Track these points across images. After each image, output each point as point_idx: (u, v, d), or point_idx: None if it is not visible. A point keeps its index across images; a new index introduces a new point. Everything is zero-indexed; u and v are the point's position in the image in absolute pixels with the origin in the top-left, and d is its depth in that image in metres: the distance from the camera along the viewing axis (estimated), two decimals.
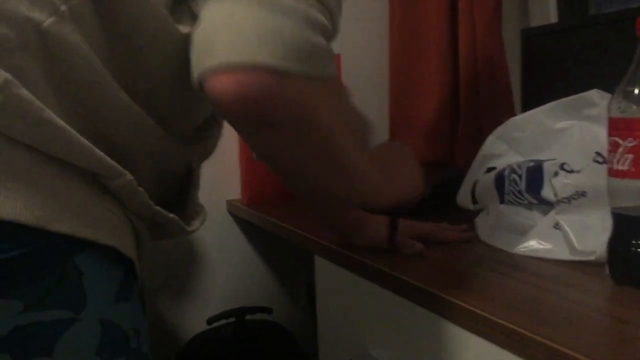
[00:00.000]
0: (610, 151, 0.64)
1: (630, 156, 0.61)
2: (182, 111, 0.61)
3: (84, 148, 0.50)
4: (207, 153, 0.70)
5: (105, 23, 0.52)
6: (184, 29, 0.53)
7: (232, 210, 1.41)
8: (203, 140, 0.68)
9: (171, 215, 0.61)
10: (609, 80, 0.64)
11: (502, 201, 0.87)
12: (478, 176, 0.91)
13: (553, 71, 1.15)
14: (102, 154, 0.51)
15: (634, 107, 0.61)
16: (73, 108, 0.51)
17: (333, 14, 0.51)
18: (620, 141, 0.62)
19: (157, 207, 0.58)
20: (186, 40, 0.52)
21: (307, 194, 0.83)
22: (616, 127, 0.63)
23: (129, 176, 0.54)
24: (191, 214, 0.67)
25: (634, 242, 0.62)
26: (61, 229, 0.48)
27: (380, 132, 1.44)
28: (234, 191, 1.42)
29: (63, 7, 0.49)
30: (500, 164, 0.89)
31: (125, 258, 0.54)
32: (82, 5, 0.50)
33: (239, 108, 0.47)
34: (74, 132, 0.49)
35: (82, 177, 0.51)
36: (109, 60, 0.52)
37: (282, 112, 0.48)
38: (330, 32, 0.50)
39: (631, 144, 0.61)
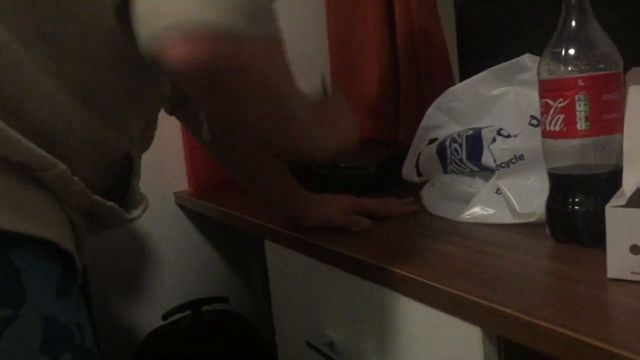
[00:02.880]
0: (542, 113, 0.64)
1: (562, 116, 0.62)
2: (127, 105, 0.59)
3: (10, 139, 0.48)
4: (146, 144, 0.69)
5: (31, 6, 0.49)
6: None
7: (180, 201, 1.39)
8: (148, 139, 0.67)
9: (110, 203, 0.59)
10: (542, 46, 0.65)
11: (445, 171, 0.87)
12: (421, 148, 0.92)
13: (488, 40, 1.17)
14: (31, 144, 0.49)
15: (562, 68, 0.62)
16: None
17: None
18: (551, 102, 0.63)
19: (96, 196, 0.57)
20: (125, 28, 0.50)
21: (253, 169, 0.83)
22: (546, 88, 0.64)
23: (62, 166, 0.52)
24: (132, 204, 0.66)
25: (570, 200, 0.64)
26: None
27: None
28: (181, 182, 1.40)
29: None
30: (441, 134, 0.90)
31: (64, 252, 0.53)
32: None
33: (191, 70, 0.46)
34: None
35: (14, 170, 0.49)
36: (31, 48, 0.50)
37: (232, 72, 0.48)
38: None
39: (561, 105, 0.62)
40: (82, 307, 0.55)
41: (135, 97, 0.61)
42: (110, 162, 0.62)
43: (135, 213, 0.64)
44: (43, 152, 0.50)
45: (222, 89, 0.50)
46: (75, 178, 0.54)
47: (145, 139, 0.68)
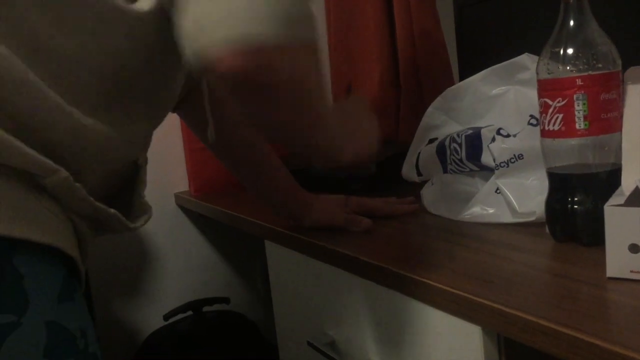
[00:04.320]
0: (541, 112, 0.65)
1: (560, 116, 0.62)
2: (138, 110, 0.60)
3: (11, 147, 0.48)
4: (146, 145, 0.69)
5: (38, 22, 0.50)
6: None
7: (181, 202, 1.39)
8: (148, 143, 0.67)
9: (112, 210, 0.59)
10: (541, 45, 0.65)
11: (445, 171, 0.88)
12: (421, 148, 0.92)
13: (487, 40, 1.17)
14: (32, 151, 0.50)
15: (561, 67, 0.62)
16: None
17: None
18: (550, 102, 0.63)
19: (98, 203, 0.57)
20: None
21: (260, 172, 0.85)
22: (545, 88, 0.64)
23: (64, 172, 0.52)
24: (137, 212, 0.66)
25: (569, 199, 0.64)
26: None
27: None
28: (181, 184, 1.40)
29: None
30: (440, 134, 0.90)
31: (66, 257, 0.53)
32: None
33: (241, 84, 0.48)
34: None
35: (16, 176, 0.50)
36: (34, 59, 0.50)
37: (276, 77, 0.50)
38: None
39: (560, 104, 0.62)
40: (86, 312, 0.55)
41: (148, 101, 0.61)
42: (117, 169, 0.62)
43: (138, 222, 0.65)
44: (44, 159, 0.50)
45: (265, 94, 0.51)
46: (78, 185, 0.54)
47: (146, 142, 0.69)
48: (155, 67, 0.59)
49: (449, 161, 0.86)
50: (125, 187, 0.65)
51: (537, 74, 0.65)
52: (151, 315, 1.37)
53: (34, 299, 0.48)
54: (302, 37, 0.49)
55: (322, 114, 0.59)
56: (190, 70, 0.49)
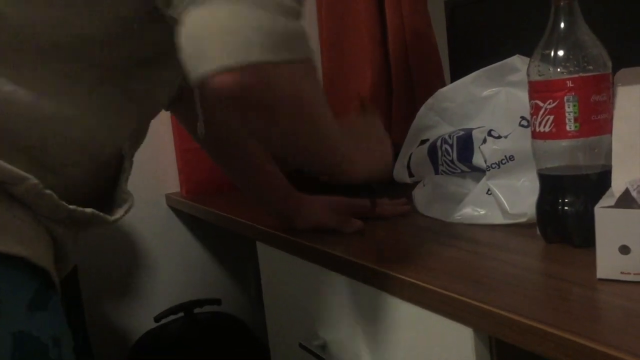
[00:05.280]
0: (532, 114, 0.65)
1: (551, 117, 0.62)
2: (127, 104, 0.59)
3: None
4: (139, 140, 0.68)
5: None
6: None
7: (172, 204, 1.38)
8: (141, 135, 0.67)
9: (88, 210, 0.59)
10: (532, 47, 0.65)
11: (437, 172, 0.88)
12: (412, 149, 0.92)
13: (479, 41, 1.17)
14: None
15: (552, 69, 0.62)
16: None
17: None
18: (541, 103, 0.63)
19: (72, 206, 0.56)
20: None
21: (255, 177, 0.85)
22: (536, 90, 0.64)
23: (33, 180, 0.52)
24: (118, 202, 0.65)
25: (560, 200, 0.64)
26: None
27: None
28: (172, 185, 1.39)
29: None
30: (432, 135, 0.90)
31: (38, 266, 0.52)
32: None
33: (239, 103, 0.50)
34: None
35: None
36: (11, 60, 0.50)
37: (275, 98, 0.52)
38: (299, 10, 0.52)
39: (551, 106, 0.62)
40: (61, 319, 0.54)
41: (140, 96, 0.61)
42: (102, 160, 0.61)
43: (118, 214, 0.64)
44: (11, 167, 0.50)
45: (262, 112, 0.52)
46: (48, 191, 0.53)
47: (138, 136, 0.68)
48: (132, 46, 0.58)
49: (440, 162, 0.86)
50: (109, 179, 0.65)
51: (528, 75, 0.65)
52: (142, 316, 1.37)
53: (2, 309, 0.48)
54: (296, 54, 0.50)
55: (325, 128, 0.60)
56: (185, 77, 0.50)
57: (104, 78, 0.57)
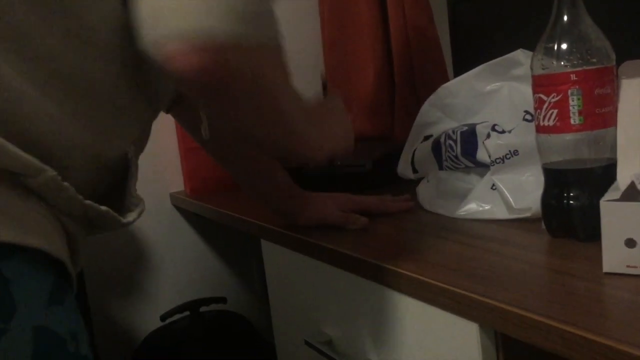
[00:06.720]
0: (536, 108, 0.65)
1: (555, 111, 0.62)
2: (128, 106, 0.59)
3: None
4: (142, 144, 0.68)
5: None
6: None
7: (176, 202, 1.38)
8: (144, 140, 0.67)
9: (103, 208, 0.58)
10: (535, 41, 0.65)
11: (440, 168, 0.87)
12: (416, 145, 0.92)
13: (481, 36, 1.17)
14: (16, 149, 0.48)
15: (555, 62, 0.62)
16: None
17: None
18: (545, 97, 0.63)
19: (88, 202, 0.56)
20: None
21: (250, 170, 0.84)
22: (540, 84, 0.64)
23: (51, 172, 0.51)
24: (129, 207, 0.65)
25: (565, 194, 0.64)
26: None
27: None
28: (177, 183, 1.40)
29: None
30: (436, 131, 0.90)
31: (55, 260, 0.52)
32: None
33: (194, 78, 0.47)
34: None
35: (1, 177, 0.48)
36: (13, 57, 0.49)
37: (235, 78, 0.49)
38: None
39: (555, 100, 0.62)
40: (77, 315, 0.54)
41: (139, 97, 0.60)
42: (106, 165, 0.61)
43: (131, 217, 0.64)
44: (30, 157, 0.49)
45: (224, 94, 0.50)
46: (66, 184, 0.52)
47: (141, 141, 0.68)
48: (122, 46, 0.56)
49: (444, 158, 0.86)
50: (116, 183, 0.65)
51: (532, 69, 0.65)
52: (148, 316, 1.37)
53: (20, 304, 0.47)
54: (261, 35, 0.48)
55: (290, 113, 0.58)
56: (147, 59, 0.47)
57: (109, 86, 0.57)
